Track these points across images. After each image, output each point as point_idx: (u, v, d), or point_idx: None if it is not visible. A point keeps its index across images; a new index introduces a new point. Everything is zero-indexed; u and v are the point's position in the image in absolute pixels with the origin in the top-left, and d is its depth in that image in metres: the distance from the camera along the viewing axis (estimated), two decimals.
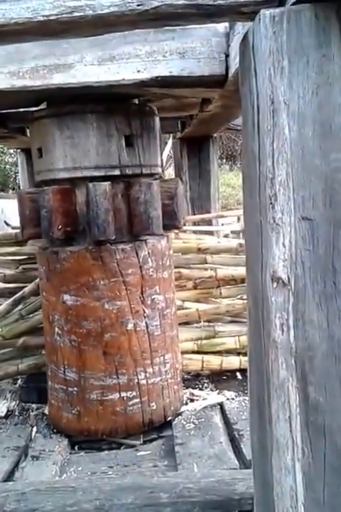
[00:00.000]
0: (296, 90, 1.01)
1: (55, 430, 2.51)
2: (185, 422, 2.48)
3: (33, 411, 2.73)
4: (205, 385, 2.90)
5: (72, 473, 2.20)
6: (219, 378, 2.95)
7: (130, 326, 2.38)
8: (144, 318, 2.41)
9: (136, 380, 2.40)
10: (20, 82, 2.01)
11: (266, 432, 1.36)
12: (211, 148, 4.56)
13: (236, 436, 2.28)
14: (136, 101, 2.56)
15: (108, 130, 2.35)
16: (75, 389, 2.41)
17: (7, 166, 11.35)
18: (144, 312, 2.41)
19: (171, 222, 2.45)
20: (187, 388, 2.79)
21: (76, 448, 2.44)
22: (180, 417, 2.54)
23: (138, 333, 2.39)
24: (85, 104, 2.33)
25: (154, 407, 2.44)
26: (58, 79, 1.98)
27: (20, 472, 2.18)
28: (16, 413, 2.73)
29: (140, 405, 2.41)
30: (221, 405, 2.63)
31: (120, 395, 2.39)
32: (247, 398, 2.65)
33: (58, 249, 2.40)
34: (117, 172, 2.37)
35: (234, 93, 2.20)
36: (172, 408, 2.52)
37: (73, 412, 2.42)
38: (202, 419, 2.50)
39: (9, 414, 2.73)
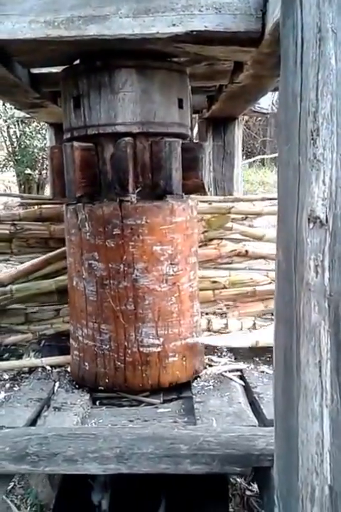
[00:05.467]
0: None
1: (77, 386, 2.56)
2: (204, 384, 2.51)
3: (55, 368, 2.77)
4: (224, 353, 2.92)
5: (93, 425, 2.23)
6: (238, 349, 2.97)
7: (74, 283, 2.55)
8: (83, 279, 2.48)
9: (76, 335, 2.58)
10: (56, 31, 2.02)
11: (293, 379, 1.36)
12: (236, 130, 4.55)
13: (256, 398, 2.29)
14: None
15: (64, 94, 2.50)
16: None
17: (35, 150, 11.42)
18: (83, 274, 2.47)
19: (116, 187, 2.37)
20: (206, 355, 2.80)
21: (97, 403, 2.47)
22: (199, 379, 2.57)
23: (78, 291, 2.52)
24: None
25: (87, 367, 2.53)
26: (93, 30, 1.99)
27: (42, 420, 2.21)
28: (39, 369, 2.76)
29: (78, 359, 2.58)
30: (240, 371, 2.64)
31: (71, 342, 2.66)
32: (267, 367, 2.66)
33: None
34: (68, 135, 2.49)
35: (267, 58, 2.19)
36: (107, 380, 2.47)
37: None
38: (221, 382, 2.53)
39: (32, 370, 2.78)
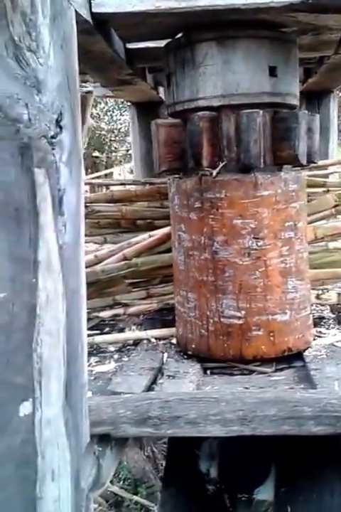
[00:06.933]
0: None
1: (186, 356, 2.59)
2: (316, 353, 2.47)
3: (160, 340, 2.81)
4: (331, 325, 2.88)
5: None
6: None
7: (173, 253, 2.68)
8: (176, 250, 2.61)
9: (175, 301, 2.73)
10: (166, 3, 2.03)
11: None
12: (331, 104, 4.45)
13: None
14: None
15: (164, 72, 2.58)
16: None
17: (102, 133, 11.57)
18: (176, 245, 2.60)
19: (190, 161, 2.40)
20: (314, 327, 2.76)
21: (208, 373, 2.49)
22: (310, 349, 2.53)
23: (174, 261, 2.66)
24: None
25: (180, 333, 2.65)
26: (204, 0, 1.97)
27: (159, 387, 2.25)
28: (144, 342, 2.81)
29: (176, 324, 2.73)
30: None
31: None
32: None
33: None
34: (166, 112, 2.66)
35: None
36: (193, 346, 2.54)
37: None
38: (334, 352, 2.48)
39: (137, 342, 2.83)
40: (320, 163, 3.41)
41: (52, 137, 1.62)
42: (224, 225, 2.38)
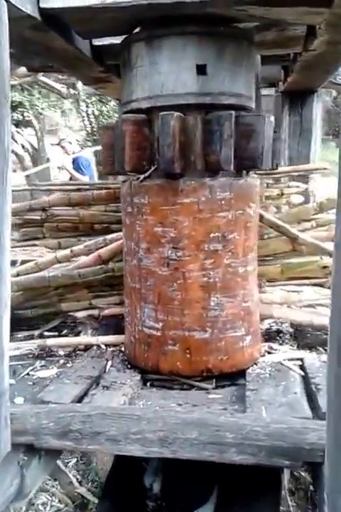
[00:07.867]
0: None
1: (129, 366, 2.51)
2: (260, 371, 2.38)
3: (110, 347, 2.73)
4: (286, 341, 2.78)
5: (141, 406, 2.17)
6: (303, 335, 2.81)
7: None
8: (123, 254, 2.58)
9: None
10: None
11: None
12: (314, 105, 4.31)
13: (314, 389, 2.13)
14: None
15: None
16: None
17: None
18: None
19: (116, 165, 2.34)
20: (266, 342, 2.67)
21: (148, 384, 2.42)
22: (255, 366, 2.44)
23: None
24: None
25: (124, 339, 2.65)
26: None
27: (89, 398, 2.18)
28: (95, 347, 2.74)
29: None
30: (301, 360, 2.48)
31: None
32: None
33: None
34: None
35: None
36: (127, 351, 2.57)
37: None
38: (279, 371, 2.38)
39: (88, 347, 2.76)
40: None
41: None
42: (147, 232, 2.31)
